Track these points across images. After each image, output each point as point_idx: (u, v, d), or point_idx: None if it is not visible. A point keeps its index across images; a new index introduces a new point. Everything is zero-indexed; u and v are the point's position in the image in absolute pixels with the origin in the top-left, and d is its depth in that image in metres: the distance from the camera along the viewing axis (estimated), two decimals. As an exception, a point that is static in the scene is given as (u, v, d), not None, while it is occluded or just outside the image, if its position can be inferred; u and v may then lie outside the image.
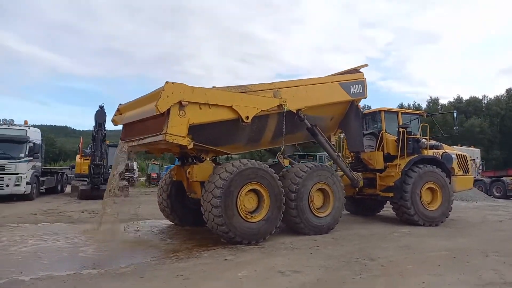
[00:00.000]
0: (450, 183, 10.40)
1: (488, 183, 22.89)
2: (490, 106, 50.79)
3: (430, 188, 10.09)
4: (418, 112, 11.35)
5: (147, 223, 9.51)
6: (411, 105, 59.07)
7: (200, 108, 6.84)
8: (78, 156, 18.74)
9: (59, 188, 18.73)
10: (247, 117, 7.38)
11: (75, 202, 14.37)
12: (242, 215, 6.90)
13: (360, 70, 10.01)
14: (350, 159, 11.57)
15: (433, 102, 57.19)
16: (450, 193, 10.22)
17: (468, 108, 51.34)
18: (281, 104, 7.93)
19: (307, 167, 8.13)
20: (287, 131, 8.28)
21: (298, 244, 6.98)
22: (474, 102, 51.98)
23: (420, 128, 10.80)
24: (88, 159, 17.93)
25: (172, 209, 8.72)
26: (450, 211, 10.30)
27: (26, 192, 14.13)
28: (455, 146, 27.58)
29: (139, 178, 31.82)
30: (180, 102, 6.58)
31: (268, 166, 7.46)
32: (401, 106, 62.95)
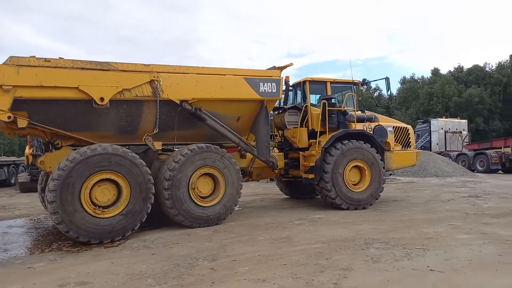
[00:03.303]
0: (382, 160, 9.22)
1: (471, 157, 21.39)
2: (492, 74, 48.23)
3: (357, 167, 8.94)
4: (350, 80, 10.00)
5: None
6: (417, 78, 56.78)
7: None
8: (27, 147, 18.01)
9: (12, 181, 18.12)
10: (102, 99, 6.28)
11: (8, 196, 13.68)
12: (88, 211, 5.91)
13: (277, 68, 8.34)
14: (278, 137, 10.47)
15: (434, 73, 54.83)
16: (381, 172, 9.03)
17: (469, 77, 48.92)
18: (154, 84, 6.74)
19: (189, 150, 7.04)
20: (177, 126, 7.22)
21: (159, 242, 5.99)
22: (475, 71, 49.40)
23: (345, 98, 9.52)
24: (38, 150, 17.14)
25: (48, 203, 7.79)
26: (381, 191, 9.13)
27: (-46, 188, 13.48)
28: (439, 118, 26.12)
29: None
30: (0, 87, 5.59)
31: (128, 151, 6.40)
32: (403, 79, 60.65)
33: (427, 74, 56.27)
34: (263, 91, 7.92)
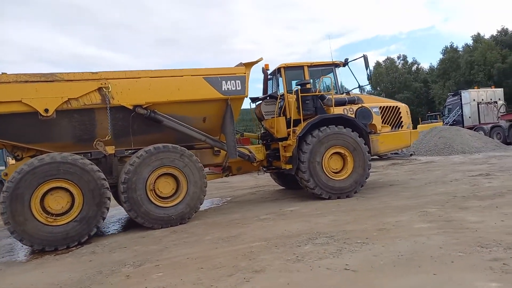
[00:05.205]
0: (366, 144, 8.58)
1: (506, 128, 19.47)
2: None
3: (338, 153, 8.41)
4: (330, 62, 9.36)
5: None
6: (458, 46, 52.70)
7: None
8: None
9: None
10: (47, 110, 6.38)
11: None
12: (40, 219, 6.04)
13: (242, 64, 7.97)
14: (262, 129, 10.13)
15: (475, 39, 50.54)
16: (365, 157, 8.42)
17: (514, 40, 44.47)
18: (102, 92, 6.73)
19: (144, 151, 6.97)
20: (135, 131, 7.21)
21: (111, 246, 5.98)
22: (521, 32, 44.80)
23: (320, 81, 8.93)
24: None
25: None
26: (366, 178, 8.52)
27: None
28: (470, 90, 24.04)
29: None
30: None
31: (79, 158, 6.44)
32: (445, 49, 56.17)
33: (470, 41, 51.89)
34: (226, 89, 7.65)
